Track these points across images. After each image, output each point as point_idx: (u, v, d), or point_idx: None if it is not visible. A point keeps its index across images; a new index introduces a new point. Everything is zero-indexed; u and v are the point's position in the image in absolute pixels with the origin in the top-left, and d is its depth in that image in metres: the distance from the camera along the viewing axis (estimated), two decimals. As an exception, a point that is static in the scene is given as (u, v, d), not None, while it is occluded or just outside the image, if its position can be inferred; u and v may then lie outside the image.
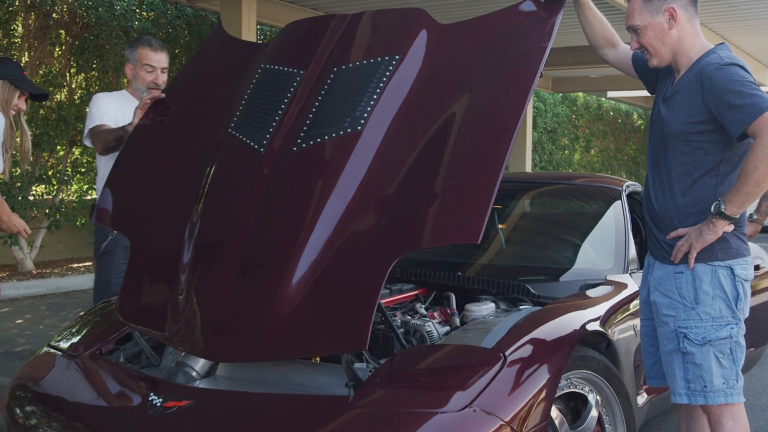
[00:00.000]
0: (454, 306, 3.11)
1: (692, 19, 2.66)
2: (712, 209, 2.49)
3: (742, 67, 2.54)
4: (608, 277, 3.26)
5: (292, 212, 2.62)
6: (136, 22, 9.25)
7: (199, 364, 2.62)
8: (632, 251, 3.53)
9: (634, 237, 4.39)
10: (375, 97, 2.70)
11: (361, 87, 2.75)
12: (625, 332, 2.98)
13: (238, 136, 2.88)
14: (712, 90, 2.49)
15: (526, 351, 2.37)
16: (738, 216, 2.50)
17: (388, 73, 2.74)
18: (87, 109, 3.99)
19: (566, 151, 18.66)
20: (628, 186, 4.03)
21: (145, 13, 9.68)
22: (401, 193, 2.47)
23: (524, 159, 12.12)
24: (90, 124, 3.86)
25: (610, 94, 18.27)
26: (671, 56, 2.66)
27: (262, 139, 2.80)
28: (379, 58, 2.80)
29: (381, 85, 2.72)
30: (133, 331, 2.86)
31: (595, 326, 2.68)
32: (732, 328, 2.56)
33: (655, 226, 2.70)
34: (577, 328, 2.59)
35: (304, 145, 2.70)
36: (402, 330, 2.81)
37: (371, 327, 2.25)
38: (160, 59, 3.94)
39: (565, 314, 2.66)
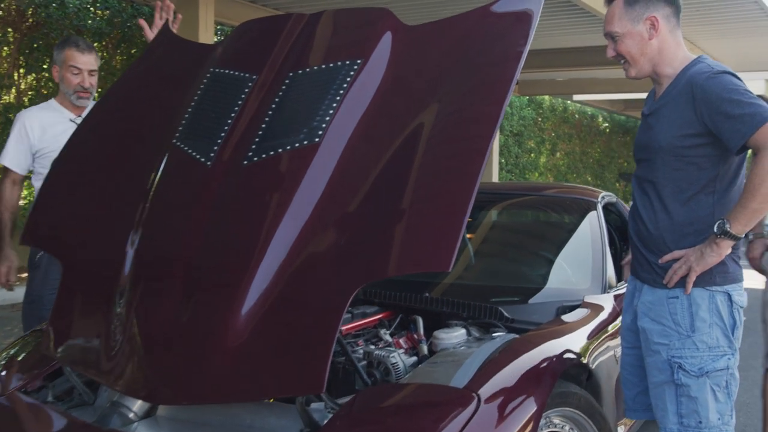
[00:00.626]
0: (422, 331, 2.86)
1: (674, 31, 2.48)
2: (715, 228, 2.28)
3: (734, 75, 2.36)
4: (586, 298, 3.04)
5: (241, 234, 2.35)
6: (90, 21, 8.88)
7: (137, 404, 2.33)
8: (610, 269, 3.32)
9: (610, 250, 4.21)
10: (334, 105, 2.44)
11: (319, 94, 2.49)
12: (606, 360, 2.76)
13: (183, 148, 2.60)
14: (706, 100, 2.30)
15: (502, 390, 2.13)
16: (744, 235, 2.29)
17: (349, 79, 2.48)
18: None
19: (532, 154, 18.58)
20: (603, 197, 3.82)
21: (99, 12, 9.31)
22: (363, 213, 2.22)
23: (491, 163, 11.92)
24: (3, 156, 3.68)
25: (576, 97, 18.23)
26: (650, 67, 2.48)
27: (209, 151, 2.53)
28: (340, 63, 2.54)
29: (341, 91, 2.46)
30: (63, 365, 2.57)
31: (575, 358, 2.45)
32: (729, 358, 2.36)
33: (645, 247, 2.48)
34: (557, 360, 2.36)
35: (255, 159, 2.43)
36: (364, 362, 2.55)
37: (329, 366, 1.99)
38: (87, 61, 3.64)
39: (542, 344, 2.43)
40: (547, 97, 18.72)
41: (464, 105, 2.31)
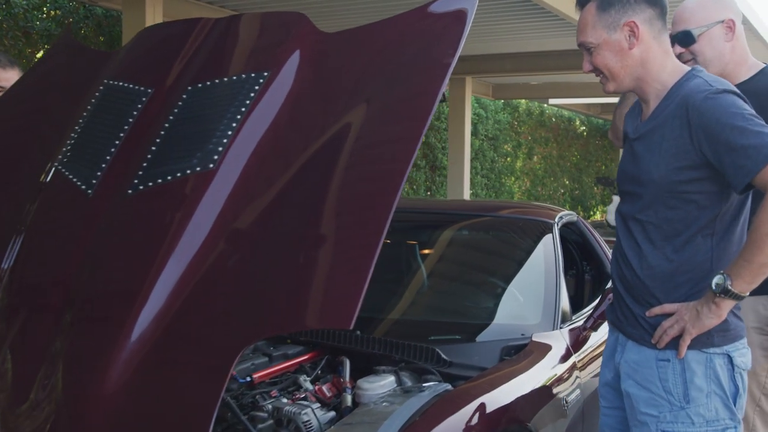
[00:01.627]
0: (348, 376, 2.53)
1: (660, 36, 2.08)
2: (713, 286, 1.90)
3: (738, 95, 1.98)
4: (534, 337, 2.72)
5: (122, 278, 2.02)
6: (38, 22, 8.47)
7: None
8: (564, 300, 3.00)
9: (569, 271, 3.89)
10: (234, 125, 2.10)
11: (218, 112, 2.16)
12: (554, 415, 2.43)
13: (64, 173, 2.26)
14: (704, 127, 1.92)
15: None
16: (748, 294, 1.92)
17: (253, 94, 2.15)
18: None
19: (509, 159, 18.32)
20: (561, 217, 3.50)
21: (53, 12, 8.90)
22: (258, 257, 1.89)
23: (462, 169, 11.62)
24: None
25: (552, 101, 17.99)
26: (633, 82, 2.10)
27: (91, 177, 2.19)
28: (244, 75, 2.21)
29: (243, 109, 2.13)
30: None
31: (514, 416, 2.13)
32: None
33: (630, 296, 2.10)
34: (491, 421, 2.04)
35: (141, 187, 2.10)
36: (270, 422, 2.21)
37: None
38: (9, 78, 3.33)
39: (472, 402, 2.10)
40: (523, 101, 18.47)
41: (382, 124, 1.99)
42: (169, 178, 2.08)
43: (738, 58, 2.56)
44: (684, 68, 2.10)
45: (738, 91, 2.00)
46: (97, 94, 2.42)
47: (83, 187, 2.18)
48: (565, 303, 3.00)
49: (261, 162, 2.05)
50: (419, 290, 3.29)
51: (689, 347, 1.98)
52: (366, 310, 3.17)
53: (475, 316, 3.07)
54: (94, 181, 2.17)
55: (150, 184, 2.09)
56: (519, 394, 2.27)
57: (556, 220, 3.41)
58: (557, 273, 3.06)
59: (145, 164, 2.13)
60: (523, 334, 2.73)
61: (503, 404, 2.15)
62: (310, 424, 2.20)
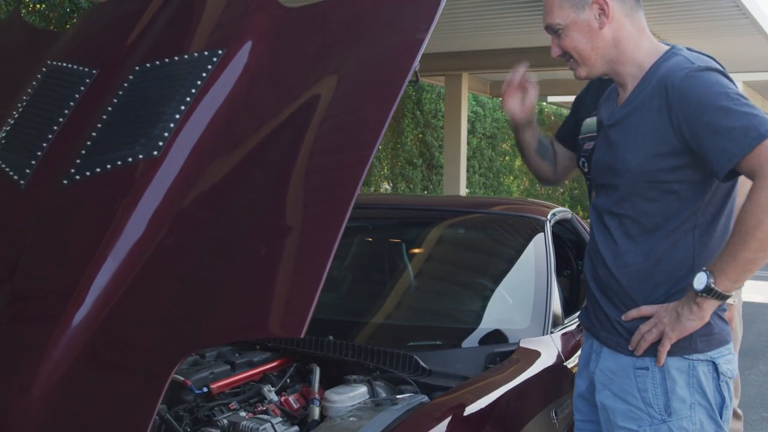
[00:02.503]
0: (316, 387, 2.30)
1: (633, 14, 1.89)
2: (694, 284, 1.71)
3: (722, 73, 1.78)
4: (522, 343, 2.49)
5: (53, 276, 1.80)
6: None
7: None
8: (556, 302, 2.78)
9: (563, 271, 3.67)
10: (183, 108, 1.88)
11: (166, 94, 1.94)
12: (543, 430, 2.21)
13: (-1, 163, 2.04)
14: (685, 107, 1.73)
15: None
16: (733, 293, 1.73)
17: (205, 74, 1.93)
18: None
19: (507, 158, 18.11)
20: (554, 214, 3.27)
21: (37, 5, 8.69)
22: (203, 256, 1.68)
23: (458, 168, 11.39)
24: None
25: (551, 98, 17.78)
26: (605, 65, 1.91)
27: (25, 167, 1.97)
28: (197, 54, 1.99)
29: (194, 91, 1.90)
30: None
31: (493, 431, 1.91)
32: None
33: (605, 298, 1.90)
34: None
35: (78, 177, 1.88)
36: (225, 439, 1.99)
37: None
38: None
39: (449, 416, 1.88)
40: (521, 99, 18.24)
41: (345, 106, 1.77)
42: (108, 166, 1.86)
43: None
44: (662, 47, 1.90)
45: (723, 69, 1.80)
46: (39, 76, 2.20)
47: (16, 177, 1.96)
48: (557, 306, 2.78)
49: (211, 149, 1.83)
50: (401, 291, 3.06)
51: (670, 354, 1.78)
52: (342, 314, 2.99)
53: (459, 320, 2.84)
54: (27, 171, 1.95)
55: (87, 173, 1.87)
56: (502, 407, 2.04)
57: (549, 217, 3.18)
58: (548, 274, 2.84)
59: (83, 152, 1.91)
60: (510, 340, 2.52)
61: (483, 419, 1.93)
62: (269, 440, 1.98)
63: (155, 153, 1.82)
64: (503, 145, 17.86)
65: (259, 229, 1.63)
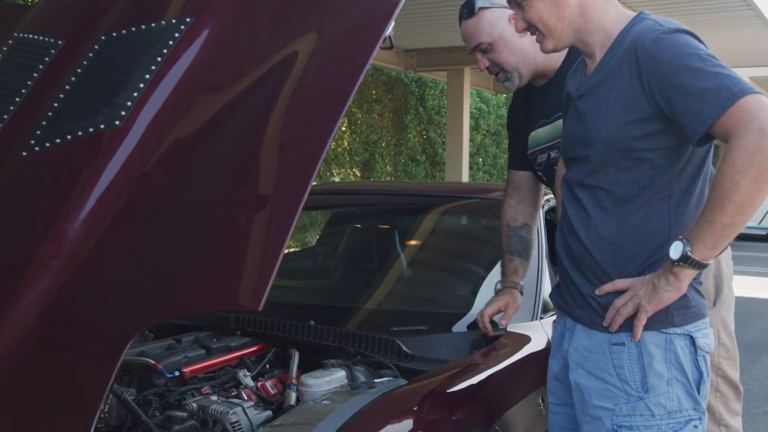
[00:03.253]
0: (294, 371, 2.22)
1: None
2: (671, 253, 1.62)
3: (693, 35, 1.70)
4: (510, 328, 2.41)
5: (8, 251, 1.72)
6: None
7: None
8: (547, 287, 2.69)
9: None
10: (148, 77, 1.80)
11: (131, 63, 1.86)
12: (527, 416, 2.11)
13: (-42, 135, 1.96)
14: (655, 71, 1.65)
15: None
16: (711, 261, 1.64)
17: (172, 42, 1.85)
18: None
19: (511, 155, 17.98)
20: (547, 200, 3.18)
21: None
22: (164, 226, 1.59)
23: (461, 164, 11.28)
24: None
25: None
26: (573, 35, 1.82)
27: (-16, 138, 1.89)
28: (164, 22, 1.91)
29: (159, 59, 1.82)
30: None
31: (473, 417, 1.82)
32: (696, 426, 1.73)
33: (578, 272, 1.81)
34: (444, 422, 1.73)
35: (37, 149, 1.80)
36: (191, 423, 1.90)
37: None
38: None
39: (424, 399, 1.79)
40: (526, 96, 18.13)
41: (314, 76, 1.69)
42: (69, 137, 1.78)
43: None
44: (630, 14, 1.83)
45: (693, 32, 1.71)
46: (5, 48, 2.12)
47: (-25, 149, 1.88)
48: (548, 292, 2.69)
49: (174, 119, 1.75)
50: (387, 278, 2.98)
51: (646, 328, 1.70)
52: (326, 299, 2.91)
53: (445, 306, 2.75)
54: (-13, 143, 1.87)
55: (47, 144, 1.79)
56: (481, 392, 1.96)
57: (542, 203, 3.09)
58: (540, 259, 2.74)
59: (44, 123, 1.83)
60: (498, 326, 2.43)
61: (461, 403, 1.84)
62: (239, 425, 1.90)
63: (117, 123, 1.74)
64: (507, 143, 17.74)
65: (219, 200, 1.56)
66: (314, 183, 1.74)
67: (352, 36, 1.72)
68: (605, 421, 1.74)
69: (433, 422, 1.72)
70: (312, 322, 2.40)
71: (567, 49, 2.17)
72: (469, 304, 2.69)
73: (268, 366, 2.33)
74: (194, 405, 1.95)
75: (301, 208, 1.40)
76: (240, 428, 1.89)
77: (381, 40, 1.63)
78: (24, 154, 1.80)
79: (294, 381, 2.16)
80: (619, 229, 1.75)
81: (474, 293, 2.77)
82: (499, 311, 2.37)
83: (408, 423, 1.69)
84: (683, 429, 1.71)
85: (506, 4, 2.18)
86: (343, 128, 10.86)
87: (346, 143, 10.92)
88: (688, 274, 1.64)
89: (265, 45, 1.82)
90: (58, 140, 1.78)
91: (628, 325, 1.71)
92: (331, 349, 2.31)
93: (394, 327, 2.48)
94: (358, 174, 11.45)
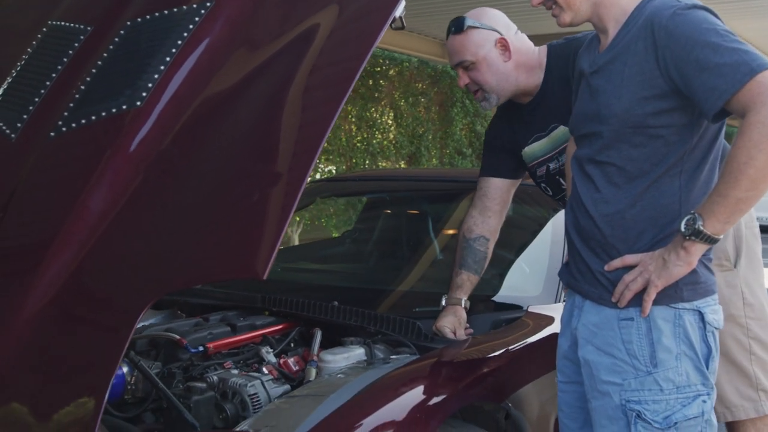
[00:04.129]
0: (316, 349, 2.27)
1: None
2: (682, 227, 1.62)
3: (710, 11, 1.69)
4: (530, 308, 2.42)
5: (37, 223, 1.81)
6: None
7: None
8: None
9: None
10: (168, 59, 1.87)
11: (154, 46, 1.93)
12: (541, 395, 2.13)
13: (-7, 118, 2.06)
14: (672, 46, 1.64)
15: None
16: (722, 235, 1.64)
17: (192, 26, 1.91)
18: None
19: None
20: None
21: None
22: (173, 202, 1.66)
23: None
24: None
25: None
26: (590, 8, 1.81)
27: (17, 121, 1.99)
28: (185, 6, 1.97)
29: (179, 42, 1.89)
30: None
31: (482, 392, 1.84)
32: (704, 400, 1.72)
33: (587, 249, 1.82)
34: (452, 396, 1.76)
35: (64, 129, 1.88)
36: (209, 394, 1.96)
37: (100, 417, 1.44)
38: None
39: (436, 374, 1.83)
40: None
41: (326, 58, 1.74)
42: (93, 118, 1.86)
43: (525, 70, 2.36)
44: None
45: (710, 8, 1.70)
46: (39, 36, 2.22)
47: (8, 131, 1.98)
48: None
49: (192, 98, 1.81)
50: (413, 260, 3.02)
51: (655, 303, 1.70)
52: (354, 281, 2.96)
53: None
54: (18, 125, 1.97)
55: (73, 125, 1.87)
56: (494, 368, 1.98)
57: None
58: (565, 242, 2.74)
59: (71, 105, 1.92)
60: (520, 307, 2.45)
61: (470, 378, 1.86)
62: (257, 397, 1.96)
63: (138, 103, 1.82)
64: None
65: (230, 177, 1.62)
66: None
67: (362, 17, 1.75)
68: (614, 397, 1.74)
69: (442, 394, 1.75)
70: (336, 303, 2.44)
71: (544, 68, 2.30)
72: (495, 288, 2.70)
73: (292, 345, 2.39)
74: (215, 378, 2.01)
75: (305, 184, 1.45)
76: (258, 400, 1.95)
77: (389, 20, 1.67)
78: (52, 134, 1.89)
79: (315, 358, 2.22)
80: (629, 205, 1.75)
81: (500, 276, 2.78)
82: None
83: (416, 394, 1.73)
84: (691, 404, 1.70)
85: (495, 27, 2.25)
86: (389, 121, 10.90)
87: (391, 136, 10.96)
88: (698, 249, 1.64)
89: (281, 26, 1.87)
90: (83, 121, 1.86)
91: (637, 300, 1.71)
92: (352, 329, 2.36)
93: (416, 308, 2.51)
94: (404, 167, 11.48)
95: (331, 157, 9.39)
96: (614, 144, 1.75)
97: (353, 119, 9.99)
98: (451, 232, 3.24)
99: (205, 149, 1.69)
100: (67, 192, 1.78)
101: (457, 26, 2.29)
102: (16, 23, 2.46)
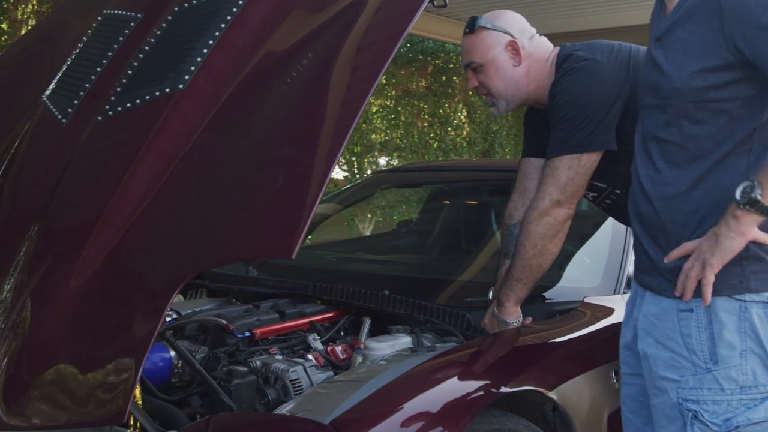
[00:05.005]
0: (364, 337, 2.24)
1: None
2: (737, 194, 1.48)
3: None
4: (587, 299, 2.33)
5: (79, 211, 1.84)
6: None
7: None
8: (632, 262, 2.58)
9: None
10: (212, 42, 1.87)
11: (198, 30, 1.94)
12: (594, 387, 2.04)
13: (47, 104, 2.12)
14: (739, 12, 1.51)
15: (389, 430, 1.51)
16: None
17: (236, 9, 1.91)
18: None
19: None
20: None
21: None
22: (208, 183, 1.66)
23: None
24: None
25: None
26: None
27: (68, 106, 2.03)
28: (230, -10, 1.98)
29: (223, 26, 1.89)
30: None
31: (527, 381, 1.78)
32: None
33: (648, 236, 1.71)
34: (488, 385, 1.70)
35: (110, 113, 1.91)
36: (250, 378, 1.95)
37: (133, 392, 1.45)
38: None
39: (476, 362, 1.77)
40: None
41: (365, 39, 1.71)
42: (138, 102, 1.88)
43: (538, 76, 2.21)
44: None
45: None
46: (94, 25, 2.26)
47: (59, 116, 2.02)
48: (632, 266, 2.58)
49: (234, 81, 1.81)
50: (473, 251, 2.96)
51: (717, 294, 1.56)
52: (409, 271, 2.92)
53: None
54: (69, 110, 2.01)
55: (119, 109, 1.90)
56: (539, 357, 1.91)
57: None
58: (626, 234, 2.64)
59: (118, 89, 1.94)
60: (577, 298, 2.36)
61: (513, 366, 1.80)
62: (298, 382, 1.94)
63: (181, 86, 1.82)
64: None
65: (262, 155, 1.61)
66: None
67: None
68: (670, 394, 1.63)
69: (481, 382, 1.69)
70: (386, 292, 2.41)
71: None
72: (551, 278, 2.62)
73: (342, 333, 2.37)
74: (258, 362, 2.01)
75: (335, 165, 1.43)
76: (300, 385, 1.93)
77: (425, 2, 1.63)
78: (99, 119, 1.92)
79: (361, 346, 2.19)
80: (690, 187, 1.62)
81: (558, 266, 2.69)
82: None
83: (453, 381, 1.68)
84: (759, 406, 1.55)
85: (508, 29, 2.14)
86: (462, 118, 10.81)
87: (464, 133, 10.87)
88: (751, 220, 1.50)
89: (321, 8, 1.85)
90: (128, 105, 1.89)
91: (699, 290, 1.59)
92: (402, 318, 2.32)
93: (470, 298, 2.46)
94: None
95: (403, 154, 9.37)
96: (675, 120, 1.63)
97: (426, 116, 9.94)
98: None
99: (241, 130, 1.69)
100: (110, 174, 1.80)
101: (470, 26, 2.19)
102: (76, 15, 2.52)
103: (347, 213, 7.28)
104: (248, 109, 1.71)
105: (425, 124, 10.02)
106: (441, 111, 10.15)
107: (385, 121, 9.30)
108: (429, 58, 9.68)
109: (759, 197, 1.46)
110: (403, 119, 9.43)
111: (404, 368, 1.77)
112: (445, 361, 1.78)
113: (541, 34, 2.30)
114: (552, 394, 1.82)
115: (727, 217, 1.52)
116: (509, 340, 1.92)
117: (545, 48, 2.26)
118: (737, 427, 1.56)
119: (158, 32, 2.02)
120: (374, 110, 9.15)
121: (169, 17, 2.03)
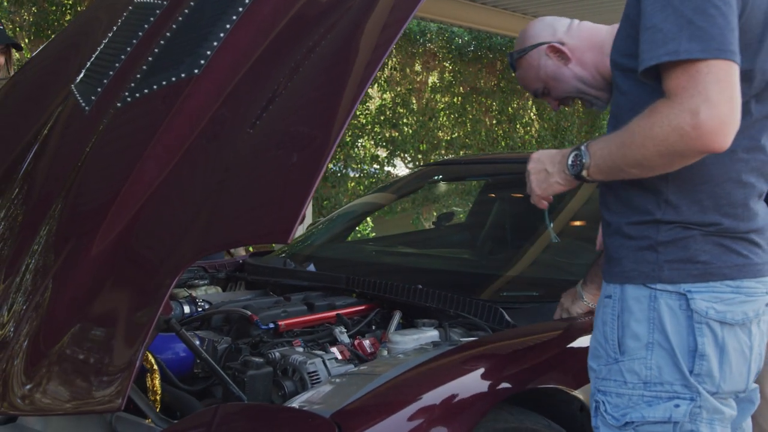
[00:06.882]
0: (393, 330, 2.18)
1: None
2: (569, 163, 1.48)
3: None
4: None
5: (95, 196, 1.84)
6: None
7: None
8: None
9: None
10: (228, 26, 1.85)
11: (216, 15, 1.91)
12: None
13: (74, 93, 2.13)
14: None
15: (390, 425, 1.44)
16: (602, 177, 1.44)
17: (254, -5, 1.88)
18: None
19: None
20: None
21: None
22: (212, 171, 1.64)
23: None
24: None
25: None
26: None
27: (91, 94, 2.04)
28: (246, -24, 1.95)
29: (240, 9, 1.86)
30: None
31: (547, 378, 1.68)
32: (677, 405, 1.39)
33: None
34: (502, 379, 1.61)
35: (129, 99, 1.90)
36: (266, 369, 1.90)
37: (132, 378, 1.43)
38: None
39: (492, 357, 1.68)
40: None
41: (372, 23, 1.66)
42: (155, 87, 1.87)
43: (595, 57, 2.00)
44: None
45: None
46: (124, 14, 2.27)
47: (83, 103, 2.04)
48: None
49: (246, 65, 1.78)
50: (510, 244, 2.86)
51: (630, 282, 1.43)
52: (448, 264, 2.84)
53: (565, 272, 2.57)
54: (93, 97, 2.02)
55: (137, 95, 1.89)
56: (567, 356, 1.80)
57: None
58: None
59: (138, 76, 1.94)
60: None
61: (536, 361, 1.71)
62: (316, 375, 1.89)
63: (196, 71, 1.80)
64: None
65: (270, 143, 1.57)
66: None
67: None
68: (592, 383, 1.51)
69: (494, 377, 1.61)
70: (420, 286, 2.34)
71: None
72: (578, 276, 2.50)
73: (373, 326, 2.31)
74: (276, 354, 1.96)
75: (332, 153, 1.38)
76: (317, 378, 1.88)
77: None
78: (118, 105, 1.91)
79: (387, 339, 2.13)
80: None
81: (586, 265, 2.57)
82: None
83: (463, 378, 1.59)
84: (659, 405, 1.39)
85: (538, 40, 2.00)
86: (532, 115, 10.62)
87: (533, 130, 10.67)
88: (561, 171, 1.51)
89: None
90: (146, 91, 1.88)
91: (620, 276, 1.45)
92: (433, 311, 2.25)
93: (506, 292, 2.37)
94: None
95: (470, 151, 9.26)
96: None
97: (494, 113, 9.80)
98: (556, 215, 3.05)
99: (249, 116, 1.65)
100: (126, 159, 1.79)
101: (510, 65, 2.10)
102: (110, 8, 2.54)
103: (412, 210, 7.22)
104: (258, 95, 1.68)
105: (493, 122, 9.88)
106: (510, 108, 9.98)
107: (451, 118, 9.20)
108: (497, 54, 9.53)
109: (585, 176, 1.44)
110: (470, 116, 9.31)
111: (417, 362, 1.70)
112: (460, 357, 1.70)
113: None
114: (577, 393, 1.72)
115: (564, 163, 1.49)
116: (532, 332, 1.83)
117: (589, 30, 2.11)
118: (629, 423, 1.41)
119: (180, 18, 2.01)
120: (440, 107, 9.07)
121: (192, 3, 2.02)
